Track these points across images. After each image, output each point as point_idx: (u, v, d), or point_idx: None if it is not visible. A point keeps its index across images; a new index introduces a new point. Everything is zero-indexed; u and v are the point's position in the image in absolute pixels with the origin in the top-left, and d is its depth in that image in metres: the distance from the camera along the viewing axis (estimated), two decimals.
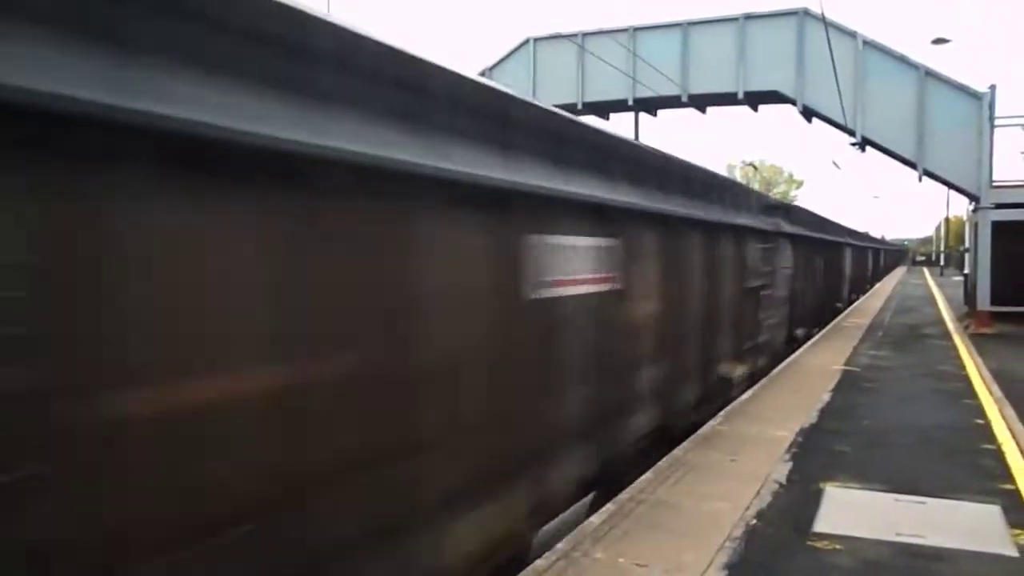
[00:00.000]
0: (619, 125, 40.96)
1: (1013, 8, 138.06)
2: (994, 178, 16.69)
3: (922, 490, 5.95)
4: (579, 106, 19.00)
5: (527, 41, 19.94)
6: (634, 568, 4.41)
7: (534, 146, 4.71)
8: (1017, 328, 17.38)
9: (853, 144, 17.61)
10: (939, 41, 20.88)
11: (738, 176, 51.06)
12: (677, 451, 6.98)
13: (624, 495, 5.72)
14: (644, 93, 18.44)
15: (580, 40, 18.75)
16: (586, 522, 5.15)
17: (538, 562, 4.47)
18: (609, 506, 5.47)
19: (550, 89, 18.75)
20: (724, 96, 18.59)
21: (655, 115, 20.58)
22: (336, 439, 3.10)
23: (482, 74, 15.35)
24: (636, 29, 18.75)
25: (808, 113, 17.81)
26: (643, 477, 6.16)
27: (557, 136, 5.15)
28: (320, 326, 3.03)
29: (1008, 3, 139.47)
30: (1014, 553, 4.73)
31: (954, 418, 8.52)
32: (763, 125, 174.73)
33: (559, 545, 4.72)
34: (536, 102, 5.30)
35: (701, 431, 7.81)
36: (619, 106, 19.77)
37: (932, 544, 4.85)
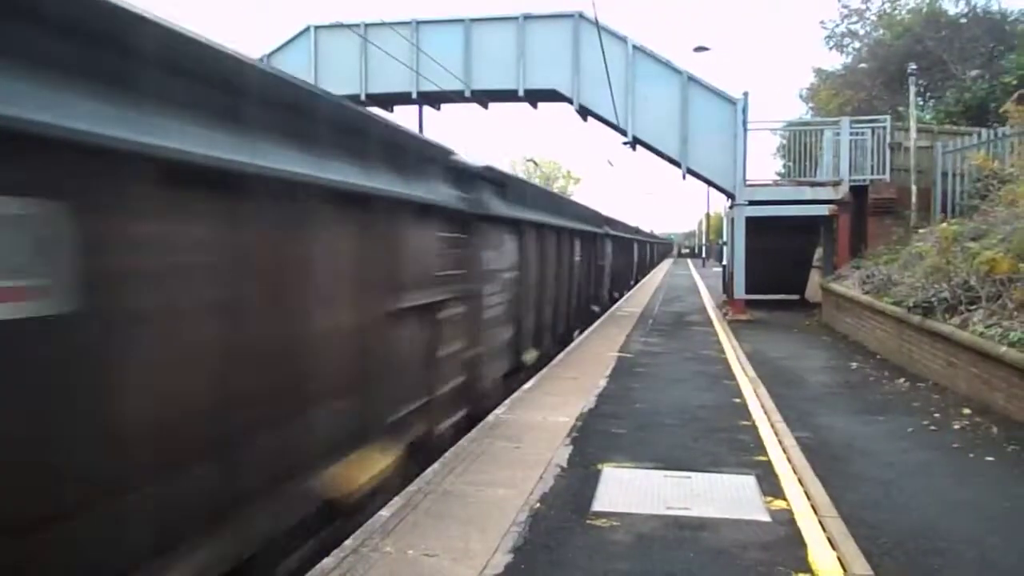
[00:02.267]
0: (404, 119, 40.82)
1: (764, 22, 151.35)
2: (748, 177, 18.13)
3: (688, 466, 6.41)
4: (363, 97, 18.74)
5: (307, 28, 19.37)
6: (423, 559, 4.43)
7: None
8: (769, 314, 19.11)
9: (625, 143, 18.54)
10: (700, 49, 22.48)
11: (520, 172, 52.34)
12: (463, 442, 7.08)
13: (412, 487, 5.72)
14: (428, 87, 18.48)
15: (363, 30, 18.48)
16: (375, 516, 5.11)
17: (326, 560, 4.38)
18: (397, 499, 5.45)
19: (333, 80, 18.32)
20: (505, 93, 18.96)
21: (439, 109, 20.68)
22: None
23: (260, 61, 14.72)
24: (419, 23, 18.72)
25: (584, 112, 18.53)
26: (431, 468, 6.20)
27: None
28: None
29: (759, 17, 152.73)
30: (767, 518, 5.21)
31: (715, 398, 9.23)
32: (545, 122, 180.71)
33: (347, 542, 4.65)
34: None
35: (486, 420, 7.95)
36: (403, 99, 19.68)
37: (697, 515, 5.24)
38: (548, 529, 4.95)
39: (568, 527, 5.00)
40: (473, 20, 18.66)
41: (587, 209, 19.95)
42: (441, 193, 7.06)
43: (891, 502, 5.63)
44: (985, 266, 9.61)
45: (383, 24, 18.18)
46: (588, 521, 5.12)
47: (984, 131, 16.50)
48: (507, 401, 8.90)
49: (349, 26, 18.18)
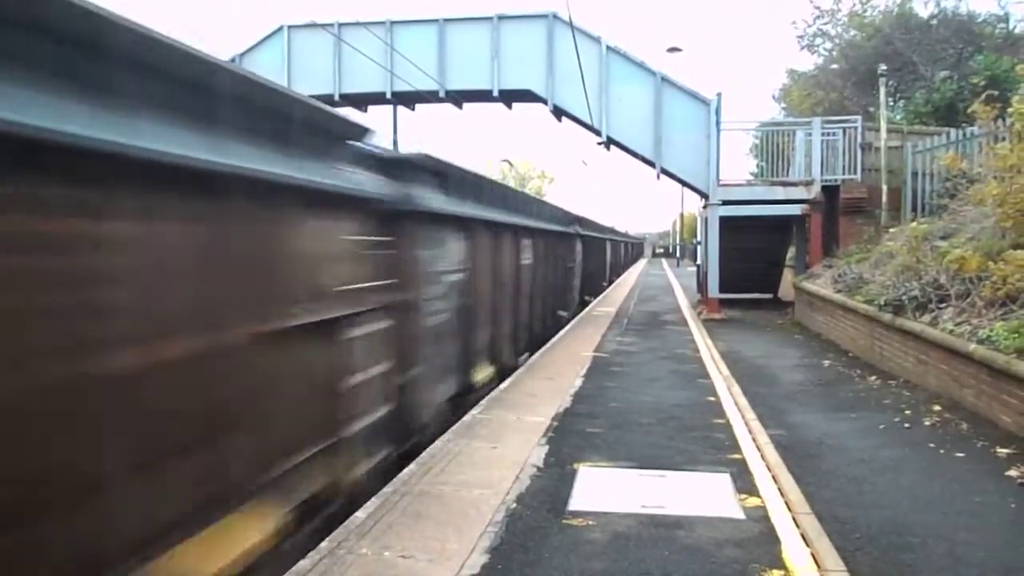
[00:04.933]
0: (377, 119, 40.69)
1: (738, 23, 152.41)
2: (722, 177, 18.25)
3: (663, 464, 6.44)
4: (336, 97, 18.66)
5: (281, 28, 19.25)
6: (399, 560, 4.42)
7: None
8: (743, 313, 19.26)
9: (600, 143, 18.61)
10: (673, 50, 22.66)
11: (495, 172, 52.33)
12: (439, 442, 7.07)
13: (388, 488, 5.71)
14: (402, 87, 18.42)
15: (336, 30, 18.40)
16: (351, 518, 5.09)
17: (302, 563, 4.36)
18: (374, 500, 5.43)
19: (306, 79, 18.24)
20: (480, 93, 18.94)
21: (413, 109, 20.63)
22: None
23: (232, 61, 14.63)
24: (393, 23, 18.66)
25: (558, 112, 18.55)
26: (407, 469, 6.19)
27: None
28: None
29: (733, 18, 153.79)
30: (741, 516, 5.25)
31: (690, 396, 9.28)
32: (519, 123, 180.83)
33: (323, 543, 4.63)
34: None
35: (463, 420, 7.94)
36: (377, 99, 19.62)
37: (673, 513, 5.27)
38: (524, 529, 4.96)
39: (544, 527, 5.01)
40: (447, 20, 18.63)
41: (555, 207, 19.38)
42: (350, 181, 5.60)
43: (863, 498, 5.69)
44: (954, 264, 9.74)
45: (357, 24, 18.11)
46: (564, 521, 5.14)
47: (953, 131, 16.69)
48: (483, 401, 8.90)
49: (323, 26, 18.09)
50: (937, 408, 8.41)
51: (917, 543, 4.81)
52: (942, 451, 6.94)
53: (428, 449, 6.82)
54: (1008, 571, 4.44)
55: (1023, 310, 8.20)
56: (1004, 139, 11.96)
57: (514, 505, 5.40)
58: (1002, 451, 6.79)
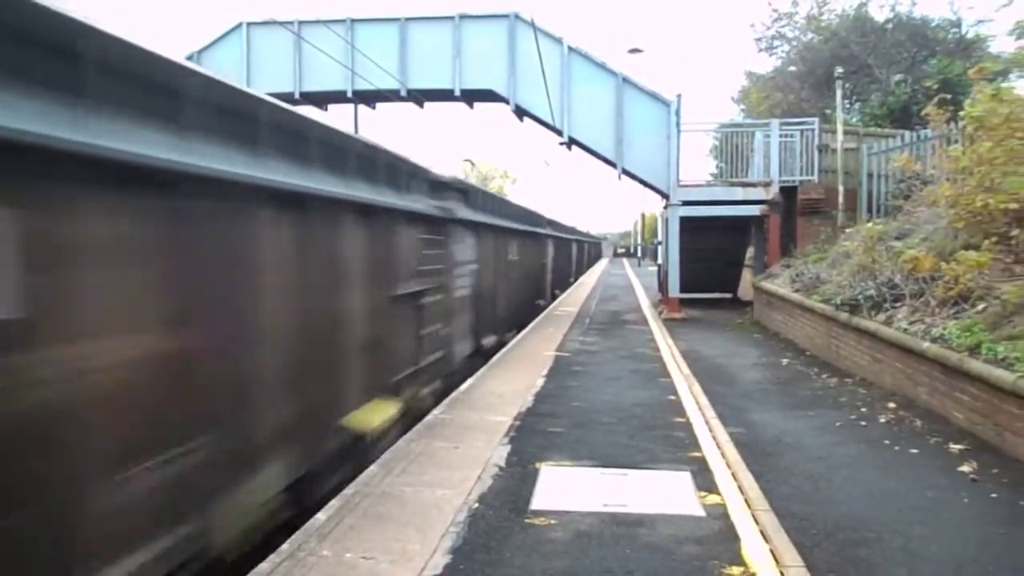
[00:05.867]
0: (338, 118, 40.38)
1: (698, 25, 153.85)
2: (683, 178, 18.39)
3: (625, 463, 6.48)
4: (296, 96, 18.48)
5: (240, 25, 19.00)
6: (361, 562, 4.39)
7: None
8: (703, 312, 19.44)
9: (562, 143, 18.63)
10: (634, 51, 22.75)
11: (458, 173, 52.11)
12: (401, 442, 7.05)
13: (349, 490, 5.67)
14: (363, 86, 18.30)
15: (296, 28, 18.22)
16: (312, 519, 5.05)
17: (262, 565, 4.31)
18: (335, 502, 5.40)
19: (266, 77, 18.04)
20: (442, 92, 18.87)
21: (374, 108, 20.49)
22: None
23: (189, 58, 14.44)
24: (354, 21, 18.52)
25: (520, 112, 18.55)
26: (368, 470, 6.15)
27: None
28: None
29: (694, 20, 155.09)
30: (702, 513, 5.30)
31: (651, 396, 9.35)
32: (482, 123, 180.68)
33: (284, 546, 4.59)
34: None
35: (425, 420, 7.93)
36: (338, 97, 19.45)
37: (634, 511, 5.31)
38: (487, 529, 4.96)
39: (507, 526, 5.02)
40: (409, 19, 18.53)
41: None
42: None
43: (821, 495, 5.78)
44: (909, 264, 9.93)
45: (317, 22, 17.96)
46: (527, 520, 5.14)
47: (907, 134, 17.01)
48: (444, 402, 8.88)
49: (282, 23, 17.91)
50: (892, 405, 8.57)
51: (873, 538, 4.90)
52: (897, 448, 7.07)
53: (390, 449, 6.80)
54: (961, 564, 4.54)
55: (975, 309, 8.38)
56: (956, 141, 12.21)
57: (476, 505, 5.39)
58: (955, 447, 6.94)
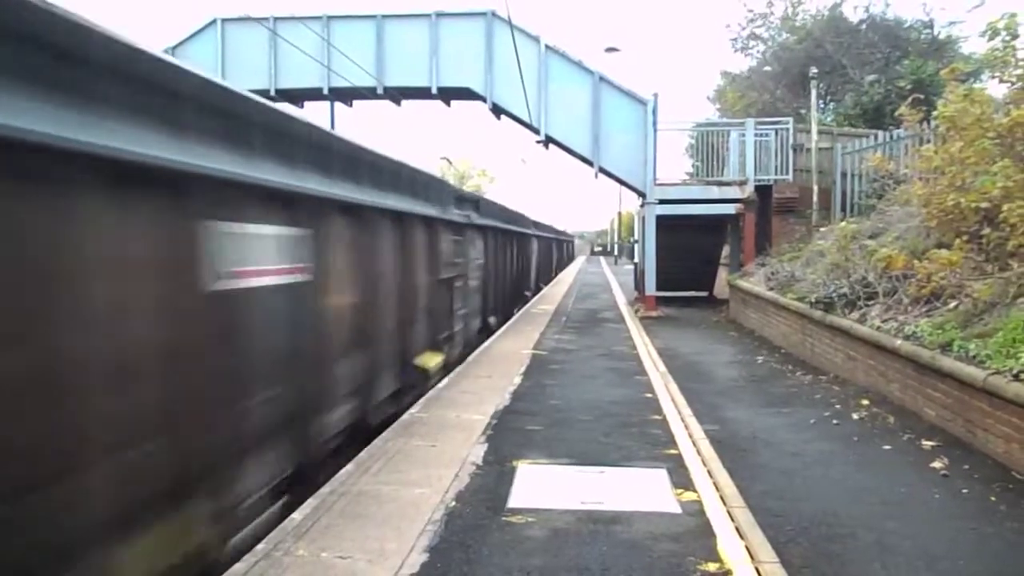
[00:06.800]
0: (314, 115, 40.15)
1: (675, 24, 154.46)
2: (659, 176, 18.48)
3: (602, 461, 6.50)
4: (272, 93, 18.33)
5: (214, 21, 18.83)
6: (337, 561, 4.37)
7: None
8: (679, 311, 19.54)
9: (539, 142, 18.64)
10: (611, 50, 22.87)
11: (437, 171, 52.02)
12: (378, 441, 7.02)
13: (326, 488, 5.64)
14: (340, 83, 18.21)
15: (272, 24, 18.10)
16: (287, 519, 5.02)
17: (237, 566, 4.28)
18: (311, 501, 5.37)
19: (241, 74, 17.85)
20: (419, 90, 18.83)
21: (351, 105, 20.39)
22: None
23: (165, 52, 14.25)
24: (330, 17, 18.43)
25: (497, 111, 18.54)
26: (344, 469, 6.13)
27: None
28: None
29: (670, 20, 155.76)
30: (678, 510, 5.33)
31: (628, 393, 9.38)
32: (459, 121, 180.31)
33: (259, 546, 4.56)
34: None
35: (402, 419, 7.91)
36: (314, 95, 19.36)
37: (610, 509, 5.32)
38: (464, 527, 4.96)
39: (484, 525, 5.01)
40: (385, 16, 18.47)
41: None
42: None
43: (795, 491, 5.83)
44: (882, 263, 10.03)
45: (293, 18, 17.86)
46: (504, 518, 5.14)
47: (881, 133, 17.19)
48: (421, 400, 8.87)
49: (258, 20, 17.78)
50: (865, 402, 8.65)
51: (847, 534, 4.95)
52: (870, 444, 7.15)
53: (366, 448, 6.77)
54: (932, 559, 4.59)
55: (947, 307, 8.49)
56: (929, 141, 12.37)
57: (453, 503, 5.39)
58: (927, 443, 7.02)
